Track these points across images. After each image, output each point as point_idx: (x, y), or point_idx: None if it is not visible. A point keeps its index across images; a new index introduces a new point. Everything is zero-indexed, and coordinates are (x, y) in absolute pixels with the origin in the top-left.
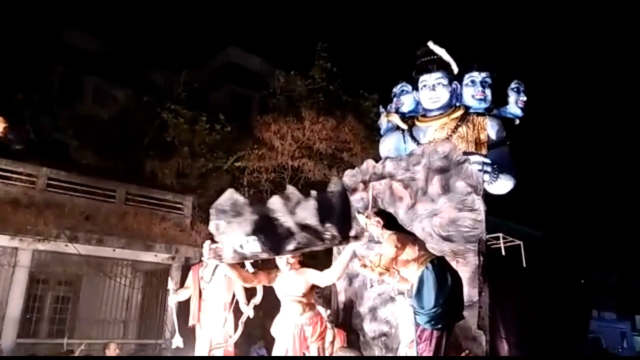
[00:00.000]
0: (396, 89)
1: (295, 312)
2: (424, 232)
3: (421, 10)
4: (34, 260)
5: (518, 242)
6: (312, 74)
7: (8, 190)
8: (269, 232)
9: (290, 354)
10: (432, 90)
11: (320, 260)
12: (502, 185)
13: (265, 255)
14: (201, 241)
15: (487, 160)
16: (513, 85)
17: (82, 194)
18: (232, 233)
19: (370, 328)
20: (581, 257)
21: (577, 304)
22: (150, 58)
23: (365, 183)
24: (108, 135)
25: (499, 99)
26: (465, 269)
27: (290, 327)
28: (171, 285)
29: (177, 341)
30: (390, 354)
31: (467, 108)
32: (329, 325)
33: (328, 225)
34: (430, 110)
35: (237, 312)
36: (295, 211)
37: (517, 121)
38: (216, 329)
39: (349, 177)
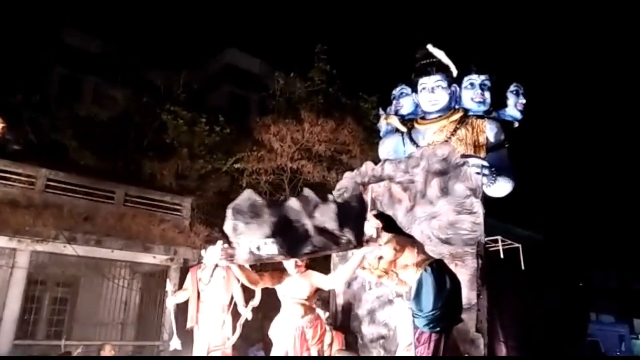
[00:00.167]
0: (395, 92)
1: (297, 315)
2: (423, 234)
3: (420, 13)
4: (32, 261)
5: (517, 244)
6: (311, 75)
7: (7, 191)
8: (287, 234)
9: (291, 355)
10: (431, 92)
11: (318, 262)
12: (501, 187)
13: (280, 258)
14: (200, 243)
15: (485, 163)
16: (512, 87)
17: (81, 195)
18: (250, 234)
19: (368, 330)
20: (580, 260)
21: (576, 307)
22: (149, 59)
23: (364, 185)
24: (107, 136)
25: (498, 102)
26: (464, 271)
27: (291, 330)
28: (169, 287)
29: (175, 343)
30: (388, 356)
31: (466, 111)
32: (327, 327)
33: (346, 229)
34: (429, 113)
35: (236, 314)
36: (314, 214)
37: (516, 124)
38: (214, 331)
39: (348, 179)
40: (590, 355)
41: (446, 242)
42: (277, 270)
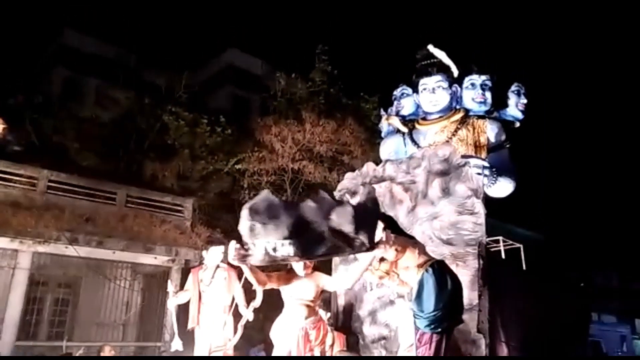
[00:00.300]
0: (396, 92)
1: (301, 316)
2: (424, 235)
3: (421, 13)
4: (34, 262)
5: (518, 245)
6: (312, 76)
7: (8, 192)
8: (303, 235)
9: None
10: (432, 93)
11: (321, 262)
12: (502, 188)
13: (295, 259)
14: (201, 243)
15: (486, 164)
16: (513, 87)
17: (82, 196)
18: (268, 235)
19: (369, 331)
20: (582, 260)
21: (577, 307)
22: (151, 60)
23: (366, 186)
24: (108, 137)
25: (499, 102)
26: (465, 272)
27: (295, 330)
28: (171, 287)
29: (177, 344)
30: (389, 356)
31: (467, 111)
32: (329, 328)
33: (361, 232)
34: (430, 113)
35: (237, 315)
36: (330, 216)
37: (518, 124)
38: (216, 332)
39: (349, 179)
40: (592, 355)
41: (447, 242)
42: (283, 271)
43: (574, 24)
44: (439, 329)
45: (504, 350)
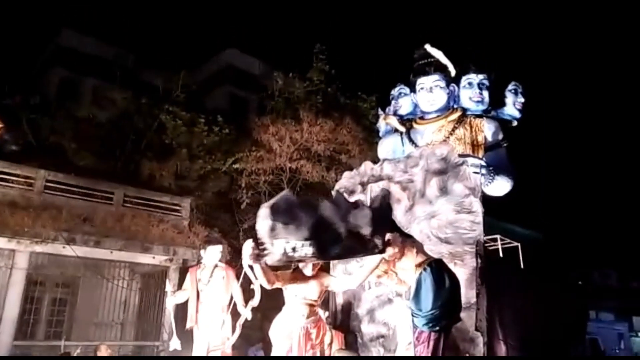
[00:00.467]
0: (394, 92)
1: (303, 315)
2: (422, 234)
3: (419, 13)
4: (31, 262)
5: (516, 243)
6: (310, 75)
7: (6, 192)
8: (320, 236)
9: (295, 355)
10: (429, 92)
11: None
12: (500, 186)
13: (312, 260)
14: (199, 243)
15: (483, 163)
16: (511, 86)
17: (79, 196)
18: (289, 236)
19: (368, 330)
20: (579, 258)
21: (575, 305)
22: (148, 60)
23: (364, 185)
24: (106, 137)
25: (497, 101)
26: (463, 270)
27: (296, 329)
28: (169, 287)
29: (175, 343)
30: (388, 356)
31: (464, 110)
32: (327, 327)
33: (376, 235)
34: (428, 113)
35: (235, 314)
36: (348, 218)
37: (515, 123)
38: (214, 331)
39: (347, 179)
40: (590, 353)
41: (445, 241)
42: (288, 270)
43: (571, 23)
44: (437, 328)
45: (501, 349)
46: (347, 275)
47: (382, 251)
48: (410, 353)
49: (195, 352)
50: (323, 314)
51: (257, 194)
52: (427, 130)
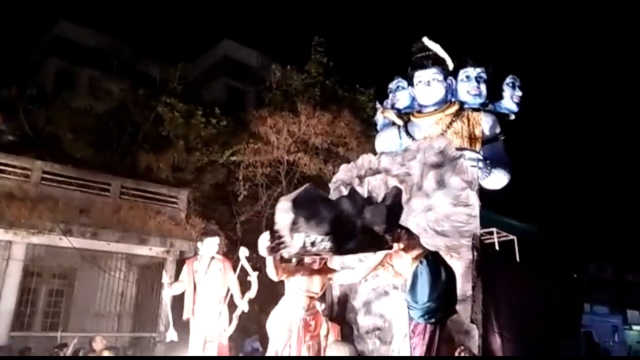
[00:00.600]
0: (392, 85)
1: (302, 307)
2: (419, 227)
3: (416, 6)
4: (28, 253)
5: (512, 236)
6: (308, 68)
7: (2, 183)
8: (338, 231)
9: (294, 347)
10: (427, 85)
11: None
12: (497, 180)
13: (329, 254)
14: (196, 235)
15: (480, 156)
16: (508, 80)
17: (76, 187)
18: (309, 230)
19: (364, 322)
20: (575, 251)
21: (570, 298)
22: (145, 51)
23: (361, 178)
24: (103, 128)
25: (494, 94)
26: (459, 263)
27: (295, 321)
28: (166, 278)
29: (172, 335)
30: (384, 348)
31: (462, 103)
32: (323, 319)
33: (389, 231)
34: (426, 106)
35: (232, 306)
36: (364, 214)
37: (512, 116)
38: (211, 323)
39: (345, 172)
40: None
41: (442, 234)
42: (292, 263)
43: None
44: (433, 320)
45: (497, 341)
46: (350, 269)
47: (391, 247)
48: (406, 345)
49: (192, 344)
50: (320, 306)
51: (254, 187)
52: (425, 123)
